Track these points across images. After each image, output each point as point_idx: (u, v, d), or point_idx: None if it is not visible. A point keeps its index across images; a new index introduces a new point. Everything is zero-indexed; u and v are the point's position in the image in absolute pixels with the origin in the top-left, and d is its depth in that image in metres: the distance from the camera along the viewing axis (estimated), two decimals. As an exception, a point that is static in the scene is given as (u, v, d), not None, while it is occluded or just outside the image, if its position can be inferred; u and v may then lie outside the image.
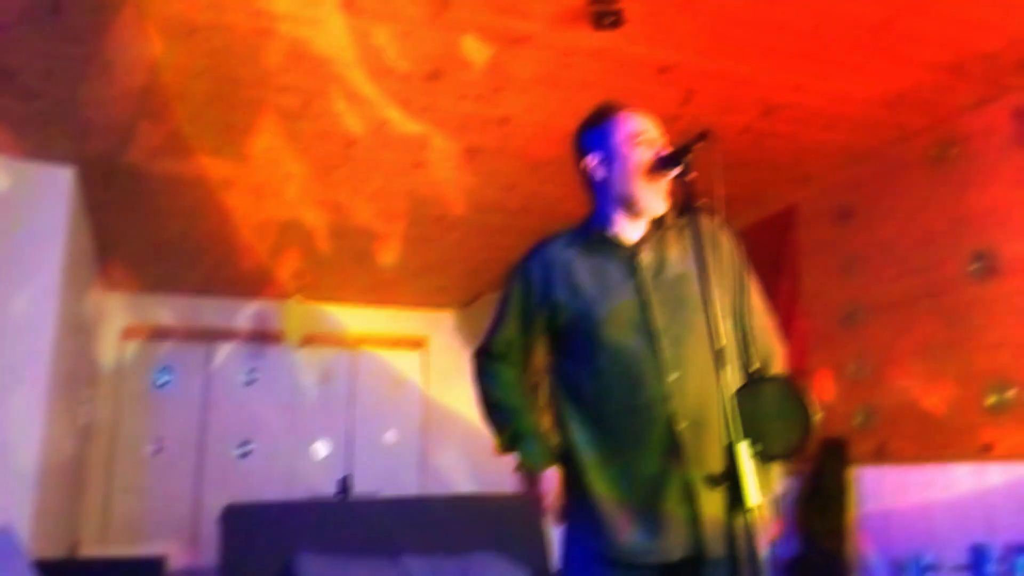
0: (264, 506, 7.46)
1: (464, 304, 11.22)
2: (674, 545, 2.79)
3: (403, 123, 5.87)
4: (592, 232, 3.14)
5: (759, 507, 2.36)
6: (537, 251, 3.18)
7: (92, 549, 9.04)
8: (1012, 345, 5.38)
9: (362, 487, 9.66)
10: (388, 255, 8.83)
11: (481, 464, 10.36)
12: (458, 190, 7.09)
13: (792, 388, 2.54)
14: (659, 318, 2.92)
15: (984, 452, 5.46)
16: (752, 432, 2.42)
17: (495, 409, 3.16)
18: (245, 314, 10.53)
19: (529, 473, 3.00)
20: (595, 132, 3.21)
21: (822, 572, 6.25)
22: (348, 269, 9.38)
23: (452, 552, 6.89)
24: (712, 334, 2.53)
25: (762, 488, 2.42)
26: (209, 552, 7.79)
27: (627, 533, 2.81)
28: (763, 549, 2.36)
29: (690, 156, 2.79)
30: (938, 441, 5.80)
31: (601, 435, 2.92)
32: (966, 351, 5.68)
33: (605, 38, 4.79)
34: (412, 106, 5.65)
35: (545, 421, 3.14)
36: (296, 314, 10.24)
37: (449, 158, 6.46)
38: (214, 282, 9.78)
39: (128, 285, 9.76)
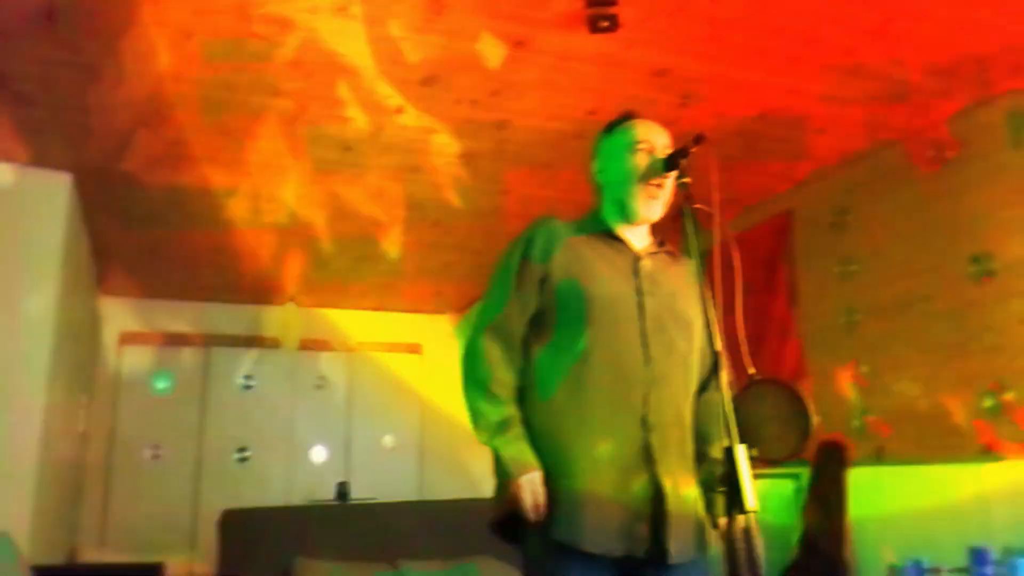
0: (262, 511, 7.48)
1: (461, 309, 11.23)
2: (635, 541, 2.80)
3: (400, 127, 5.87)
4: (599, 226, 3.17)
5: (756, 511, 2.37)
6: (540, 224, 3.18)
7: (90, 555, 9.04)
8: (1009, 348, 5.38)
9: (360, 492, 9.66)
10: (385, 260, 8.83)
11: (479, 468, 10.36)
12: (455, 194, 7.09)
13: (790, 392, 2.56)
14: (651, 320, 2.95)
15: (982, 454, 5.46)
16: (750, 436, 2.43)
17: (481, 391, 3.00)
18: (243, 319, 10.53)
19: (509, 472, 2.86)
20: (604, 139, 3.27)
21: (820, 574, 6.25)
22: (345, 274, 9.39)
23: (450, 557, 6.89)
24: (711, 338, 2.54)
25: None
26: (208, 558, 7.80)
27: (590, 524, 2.80)
28: (761, 552, 2.37)
29: (686, 159, 2.80)
30: (936, 444, 5.80)
31: (574, 423, 2.90)
32: (963, 354, 5.68)
33: (601, 42, 4.80)
34: (409, 110, 5.65)
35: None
36: (293, 319, 10.24)
37: (446, 162, 6.47)
38: (212, 287, 9.78)
39: (126, 291, 9.76)
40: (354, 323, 11.08)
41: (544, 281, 3.03)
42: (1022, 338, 5.32)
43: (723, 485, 2.39)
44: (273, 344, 10.45)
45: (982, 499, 5.44)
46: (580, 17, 4.56)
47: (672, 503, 2.80)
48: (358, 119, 5.74)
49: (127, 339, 9.99)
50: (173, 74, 5.09)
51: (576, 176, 6.26)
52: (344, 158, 6.32)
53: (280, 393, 10.60)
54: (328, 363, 10.95)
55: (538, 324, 3.06)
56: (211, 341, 10.36)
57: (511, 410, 2.95)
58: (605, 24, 4.53)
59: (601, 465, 2.84)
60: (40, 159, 6.18)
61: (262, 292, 9.94)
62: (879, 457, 6.22)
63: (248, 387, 10.49)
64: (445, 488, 10.45)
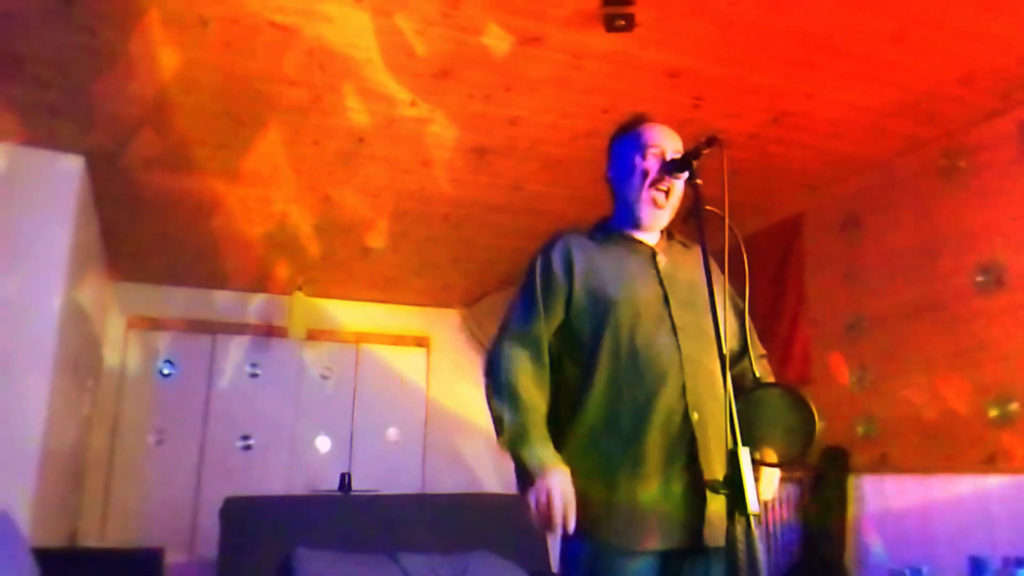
0: (264, 500, 7.49)
1: (469, 303, 11.22)
2: (680, 533, 2.81)
3: (412, 120, 5.87)
4: (612, 230, 3.18)
5: (758, 514, 2.37)
6: (557, 238, 3.18)
7: (91, 539, 9.05)
8: (1016, 358, 5.38)
9: (363, 483, 9.66)
10: (394, 252, 8.83)
11: (482, 463, 10.36)
12: (465, 189, 7.10)
13: (795, 396, 2.55)
14: (677, 313, 2.97)
15: (986, 464, 5.46)
16: (754, 439, 2.43)
17: (504, 394, 2.97)
18: (249, 308, 10.53)
19: (533, 475, 2.80)
20: (617, 142, 3.28)
21: (820, 580, 6.26)
22: (353, 265, 9.38)
23: (451, 550, 6.90)
24: (719, 338, 2.54)
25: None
26: (209, 544, 7.81)
27: (639, 524, 2.81)
28: (762, 554, 2.37)
29: (698, 161, 2.80)
30: (939, 452, 5.80)
31: (605, 424, 2.91)
32: (969, 363, 5.68)
33: (616, 41, 4.80)
34: (421, 104, 5.65)
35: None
36: (300, 309, 10.23)
37: (457, 156, 6.47)
38: (219, 275, 9.78)
39: (133, 276, 9.76)
40: (361, 315, 11.07)
41: (569, 296, 3.05)
42: (1029, 349, 5.33)
43: (726, 487, 2.39)
44: (280, 333, 10.45)
45: (984, 508, 5.43)
46: (596, 16, 4.56)
47: (709, 499, 2.80)
48: (370, 111, 5.74)
49: (134, 324, 9.99)
50: (188, 61, 5.09)
51: (587, 174, 6.28)
52: (355, 150, 6.32)
53: (285, 382, 10.59)
54: (334, 354, 10.94)
55: (568, 338, 3.07)
56: (218, 328, 10.36)
57: (535, 416, 2.92)
58: (621, 23, 4.53)
59: (647, 465, 2.85)
60: (52, 142, 6.18)
61: (270, 281, 9.93)
62: (882, 464, 6.21)
63: (253, 375, 10.47)
64: (448, 482, 10.45)
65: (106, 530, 9.29)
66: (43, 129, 6.00)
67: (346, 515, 7.28)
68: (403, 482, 10.44)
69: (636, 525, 2.82)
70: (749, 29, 4.75)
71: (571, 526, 2.75)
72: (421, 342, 11.38)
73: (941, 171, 6.04)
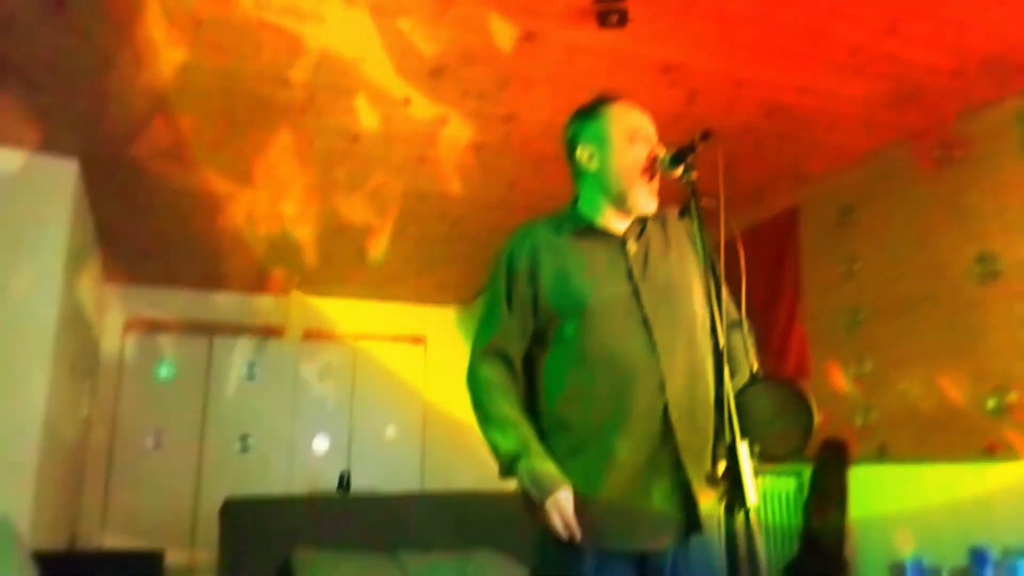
0: (263, 500, 7.47)
1: (465, 301, 11.23)
2: (661, 534, 2.78)
3: (408, 118, 5.87)
4: (578, 221, 3.08)
5: (757, 507, 2.36)
6: (520, 237, 3.10)
7: (90, 541, 9.06)
8: (1013, 348, 5.38)
9: (361, 483, 9.67)
10: (390, 251, 8.83)
11: (480, 461, 10.38)
12: (461, 186, 7.10)
13: (793, 388, 2.54)
14: (649, 307, 2.90)
15: (984, 455, 5.46)
16: (752, 432, 2.42)
17: (492, 419, 2.92)
18: (247, 308, 10.54)
19: (538, 495, 2.74)
20: (589, 123, 3.11)
21: (821, 572, 6.26)
22: (350, 264, 9.39)
23: (451, 548, 6.89)
24: (715, 329, 2.52)
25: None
26: (208, 546, 7.81)
27: (613, 526, 2.77)
28: (761, 548, 2.36)
29: (694, 155, 2.78)
30: (938, 443, 5.80)
31: (586, 427, 2.84)
32: (967, 354, 5.68)
33: (610, 36, 4.80)
34: (417, 102, 5.65)
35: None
36: (297, 308, 10.25)
37: (453, 154, 6.47)
38: (216, 276, 9.79)
39: (130, 278, 9.78)
40: (358, 314, 11.09)
41: (536, 296, 2.96)
42: (1026, 339, 5.33)
43: (724, 480, 2.38)
44: (277, 333, 10.46)
45: (984, 499, 5.44)
46: (589, 12, 4.56)
47: (698, 489, 2.77)
48: (366, 110, 5.74)
49: (131, 326, 10.01)
50: (182, 62, 5.09)
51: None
52: (351, 148, 6.32)
53: (283, 382, 10.61)
54: (332, 353, 10.96)
55: (538, 337, 3.00)
56: (215, 329, 10.37)
57: (525, 433, 2.87)
58: (614, 19, 4.53)
59: (621, 465, 2.79)
60: (48, 145, 6.18)
61: (267, 281, 9.95)
62: (881, 456, 6.22)
63: (251, 376, 10.49)
64: (446, 480, 10.47)
65: (105, 532, 9.30)
66: (38, 133, 6.00)
67: (345, 515, 7.26)
68: (402, 480, 10.47)
69: (617, 527, 2.78)
70: (742, 23, 4.75)
71: (577, 537, 2.71)
72: (418, 340, 11.41)
73: (936, 161, 6.04)
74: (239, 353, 10.49)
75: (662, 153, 2.91)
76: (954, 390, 5.72)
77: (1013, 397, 5.34)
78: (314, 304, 10.63)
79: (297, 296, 10.19)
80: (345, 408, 10.89)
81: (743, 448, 2.36)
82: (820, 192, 7.07)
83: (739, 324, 3.01)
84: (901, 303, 6.20)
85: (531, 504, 2.77)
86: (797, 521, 6.67)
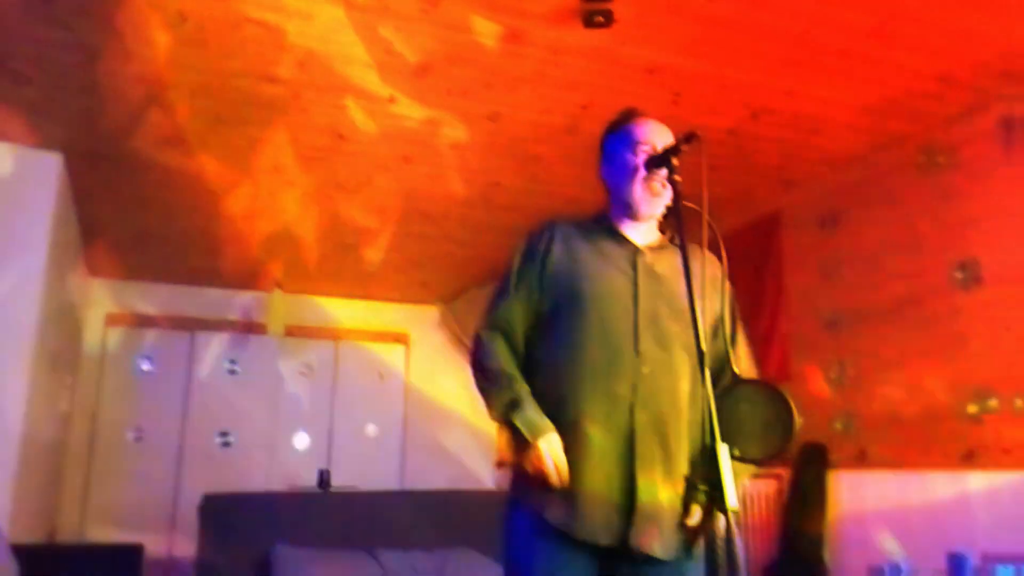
0: (243, 496, 7.46)
1: (448, 299, 11.23)
2: (601, 529, 2.83)
3: (392, 117, 5.87)
4: (603, 223, 3.19)
5: (737, 511, 2.37)
6: (545, 225, 3.22)
7: (70, 535, 9.04)
8: (994, 354, 5.40)
9: (341, 480, 9.66)
10: (374, 249, 8.83)
11: (461, 460, 10.38)
12: (445, 186, 7.09)
13: (774, 393, 2.55)
14: (644, 311, 2.96)
15: (964, 461, 5.48)
16: (733, 436, 2.43)
17: (491, 375, 3.05)
18: (229, 304, 10.52)
19: (527, 439, 2.85)
20: (609, 139, 3.27)
21: (800, 575, 6.27)
22: (333, 262, 9.38)
23: (430, 546, 6.89)
24: (698, 335, 2.53)
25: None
26: (187, 541, 7.79)
27: (580, 510, 2.83)
28: (741, 552, 2.37)
29: (677, 157, 2.80)
30: (918, 448, 5.82)
31: (568, 413, 2.90)
32: (948, 359, 5.70)
33: (595, 37, 4.80)
34: (402, 100, 5.65)
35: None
36: (279, 305, 10.23)
37: (437, 153, 6.46)
38: (199, 272, 9.78)
39: (113, 272, 9.76)
40: (340, 311, 11.09)
41: (542, 279, 3.08)
42: (1008, 345, 5.34)
43: (704, 484, 2.39)
44: (259, 330, 10.45)
45: (963, 505, 5.46)
46: (574, 12, 4.56)
47: (644, 499, 2.81)
48: (350, 108, 5.73)
49: (112, 320, 9.98)
50: (167, 58, 5.08)
51: (566, 170, 6.28)
52: (335, 146, 6.32)
53: (264, 379, 10.60)
54: (313, 350, 10.95)
55: (540, 319, 3.10)
56: (196, 325, 10.35)
57: (520, 388, 2.97)
58: (600, 20, 4.54)
59: (593, 453, 2.86)
60: (32, 138, 6.16)
61: (249, 277, 9.93)
62: (861, 460, 6.23)
63: (232, 372, 10.48)
64: (427, 478, 10.45)
65: (85, 526, 9.28)
66: (23, 126, 5.98)
67: (325, 512, 7.26)
68: (382, 478, 10.45)
69: (578, 512, 2.84)
70: (728, 25, 4.75)
71: (566, 480, 2.81)
72: (400, 339, 11.40)
73: (919, 167, 6.06)
74: (220, 349, 10.47)
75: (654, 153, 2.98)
76: (935, 395, 5.74)
77: (994, 403, 5.35)
78: (296, 301, 10.61)
79: (279, 293, 10.17)
80: (326, 405, 10.88)
81: (724, 451, 2.37)
82: (804, 196, 7.08)
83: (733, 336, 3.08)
84: (883, 308, 6.21)
85: (522, 446, 2.87)
86: (777, 524, 6.68)
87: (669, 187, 3.01)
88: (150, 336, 10.16)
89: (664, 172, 2.90)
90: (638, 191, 3.06)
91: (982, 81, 5.33)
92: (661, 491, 2.84)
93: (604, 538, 2.82)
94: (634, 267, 3.04)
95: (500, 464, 10.71)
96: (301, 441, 10.67)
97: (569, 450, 2.85)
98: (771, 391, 2.57)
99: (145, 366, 10.07)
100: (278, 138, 6.16)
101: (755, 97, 5.62)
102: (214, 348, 10.45)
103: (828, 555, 6.26)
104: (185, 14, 4.63)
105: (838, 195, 6.73)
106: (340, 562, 6.54)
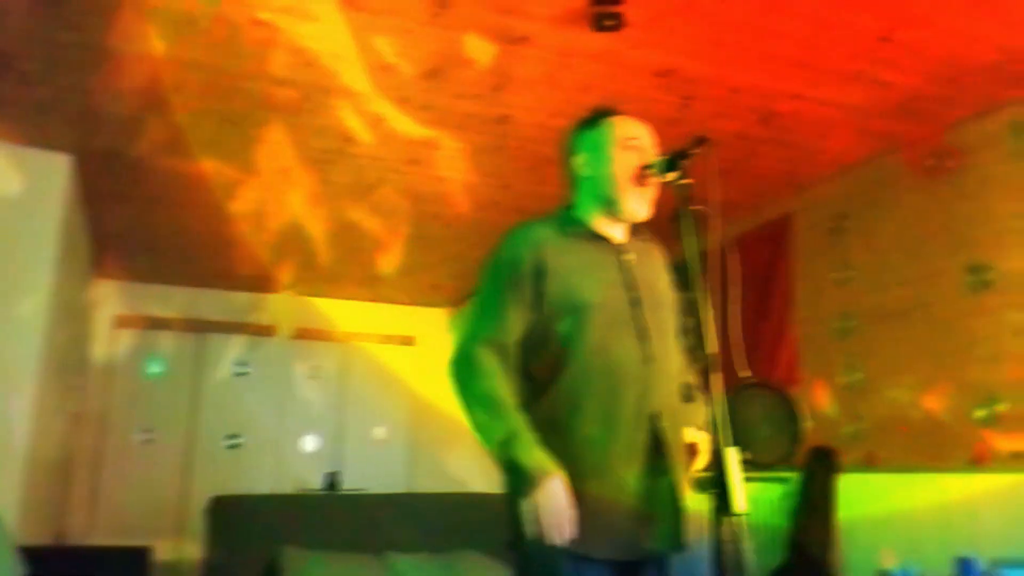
0: (251, 499, 7.48)
1: (457, 303, 11.22)
2: (620, 545, 2.80)
3: (402, 120, 5.87)
4: (574, 224, 3.12)
5: (745, 514, 2.36)
6: (521, 234, 3.09)
7: (78, 537, 9.04)
8: (1003, 359, 5.38)
9: (350, 483, 9.67)
10: (383, 252, 8.83)
11: (469, 463, 10.37)
12: (455, 188, 7.09)
13: (783, 396, 2.56)
14: (641, 314, 2.94)
15: (972, 464, 5.46)
16: (741, 439, 2.42)
17: (484, 401, 2.83)
18: (238, 306, 10.53)
19: (534, 479, 2.66)
20: (587, 132, 3.22)
21: (807, 580, 6.27)
22: (342, 265, 9.37)
23: (438, 550, 6.90)
24: (705, 339, 2.53)
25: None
26: (195, 543, 7.80)
27: (598, 531, 2.74)
28: (749, 554, 2.36)
29: (687, 161, 2.79)
30: (927, 452, 5.80)
31: (575, 430, 2.82)
32: (957, 363, 5.68)
33: (605, 40, 4.80)
34: (411, 104, 5.65)
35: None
36: (288, 308, 10.25)
37: (447, 156, 6.46)
38: (208, 274, 9.78)
39: (122, 274, 9.76)
40: (349, 314, 11.09)
41: (542, 292, 2.93)
42: (1017, 349, 5.32)
43: (713, 487, 2.38)
44: (267, 332, 10.46)
45: (971, 509, 5.44)
46: (585, 15, 4.56)
47: (658, 501, 2.79)
48: (358, 111, 5.74)
49: (121, 323, 9.99)
50: (175, 59, 5.08)
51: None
52: (344, 149, 6.32)
53: (273, 381, 10.61)
54: (322, 353, 10.96)
55: (534, 339, 2.96)
56: (205, 327, 10.35)
57: (518, 419, 2.78)
58: (610, 23, 4.53)
59: (607, 469, 2.80)
60: (41, 140, 6.17)
61: (258, 280, 9.93)
62: (869, 463, 6.22)
63: (241, 374, 10.49)
64: (434, 481, 10.47)
65: (93, 528, 9.28)
66: (33, 128, 5.99)
67: (333, 514, 7.27)
68: (390, 481, 10.45)
69: (598, 533, 2.74)
70: (738, 29, 4.75)
71: (569, 535, 2.65)
72: (408, 341, 11.40)
73: (929, 171, 6.04)
74: (230, 351, 10.49)
75: (655, 161, 2.95)
76: (943, 399, 5.73)
77: (1002, 407, 5.34)
78: (305, 304, 10.62)
79: (288, 296, 10.18)
80: (335, 408, 10.88)
81: (732, 455, 2.37)
82: (813, 200, 7.07)
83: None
84: (892, 312, 6.20)
85: (524, 489, 2.69)
86: (784, 527, 6.67)
87: (655, 190, 3.01)
88: (159, 338, 10.17)
89: (672, 176, 2.88)
90: (629, 191, 3.03)
91: (990, 84, 5.32)
92: (672, 488, 2.83)
93: (623, 554, 2.80)
94: (623, 270, 3.02)
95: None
96: (310, 443, 10.67)
97: (580, 469, 2.76)
98: (780, 395, 2.57)
99: (154, 368, 10.07)
100: (287, 141, 6.16)
101: (765, 101, 5.62)
102: (223, 350, 10.45)
103: (835, 558, 6.24)
104: (195, 16, 4.63)
105: (847, 199, 6.72)
106: (348, 565, 6.55)
